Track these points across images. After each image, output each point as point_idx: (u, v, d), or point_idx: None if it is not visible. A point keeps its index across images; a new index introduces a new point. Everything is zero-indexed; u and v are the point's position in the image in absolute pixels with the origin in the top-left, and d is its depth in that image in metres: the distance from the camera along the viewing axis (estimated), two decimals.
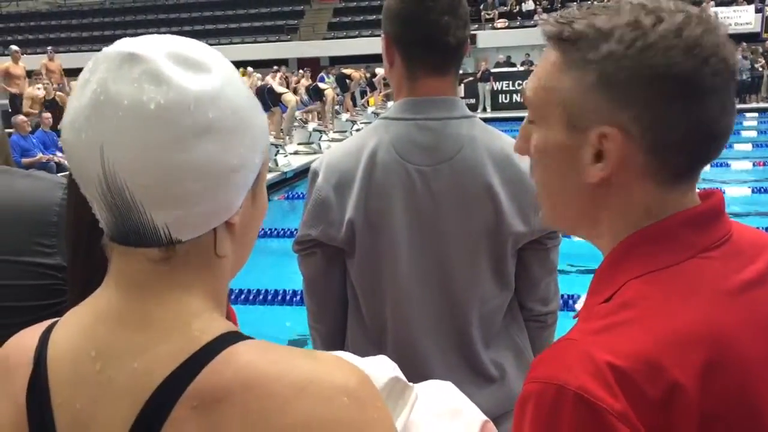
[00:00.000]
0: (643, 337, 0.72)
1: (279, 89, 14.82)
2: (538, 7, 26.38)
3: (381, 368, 0.94)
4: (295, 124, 15.02)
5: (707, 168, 0.85)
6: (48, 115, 12.15)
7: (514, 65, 22.52)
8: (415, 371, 1.17)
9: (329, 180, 1.58)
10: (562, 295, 1.89)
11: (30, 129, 11.42)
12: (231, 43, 25.61)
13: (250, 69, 17.31)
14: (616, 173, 0.79)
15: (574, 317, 0.82)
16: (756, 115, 16.96)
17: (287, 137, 14.26)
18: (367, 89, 20.35)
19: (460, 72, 1.69)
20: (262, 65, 19.03)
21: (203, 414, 0.66)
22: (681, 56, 0.75)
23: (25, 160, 10.20)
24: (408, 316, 1.58)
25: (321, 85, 16.86)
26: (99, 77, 0.68)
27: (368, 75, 20.16)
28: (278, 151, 11.69)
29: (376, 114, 16.44)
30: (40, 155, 11.03)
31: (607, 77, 0.77)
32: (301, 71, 20.23)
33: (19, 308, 1.18)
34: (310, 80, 18.21)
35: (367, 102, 20.13)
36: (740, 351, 0.74)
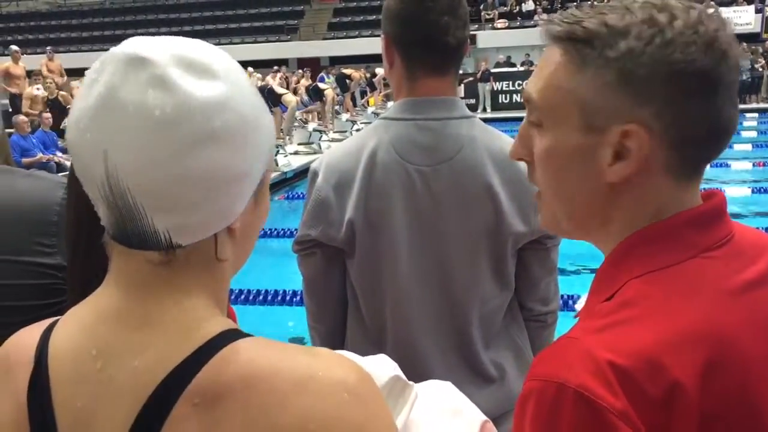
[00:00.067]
0: (644, 336, 0.72)
1: (279, 90, 14.82)
2: (538, 7, 26.39)
3: (381, 367, 0.95)
4: (295, 124, 15.02)
5: (707, 168, 0.85)
6: (48, 115, 12.15)
7: (514, 65, 22.52)
8: (415, 371, 1.17)
9: (329, 180, 1.58)
10: (562, 295, 1.89)
11: (30, 129, 11.42)
12: (231, 43, 25.58)
13: (250, 69, 17.32)
14: (636, 171, 0.78)
15: (575, 317, 0.82)
16: (756, 115, 16.97)
17: (287, 137, 14.26)
18: (367, 89, 20.36)
19: (460, 72, 1.69)
20: (262, 65, 19.02)
21: (204, 411, 0.66)
22: (700, 52, 0.75)
23: (25, 160, 10.20)
24: (408, 316, 1.58)
25: (321, 85, 16.86)
26: (106, 79, 0.68)
27: (368, 75, 20.16)
28: (278, 151, 11.69)
29: (376, 114, 16.45)
30: (40, 155, 11.03)
31: (627, 74, 0.76)
32: (300, 71, 20.24)
33: (19, 308, 1.18)
34: (310, 80, 18.22)
35: (367, 102, 20.14)
36: (741, 351, 0.74)
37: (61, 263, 1.19)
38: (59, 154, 11.54)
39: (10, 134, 9.45)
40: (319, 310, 1.73)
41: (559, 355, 0.74)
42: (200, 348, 0.68)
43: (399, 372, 0.95)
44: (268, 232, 7.63)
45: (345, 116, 17.49)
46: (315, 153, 13.16)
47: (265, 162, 0.74)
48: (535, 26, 24.27)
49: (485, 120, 1.67)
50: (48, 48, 17.21)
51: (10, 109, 13.30)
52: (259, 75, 17.16)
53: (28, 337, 0.76)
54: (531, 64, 21.76)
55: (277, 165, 11.44)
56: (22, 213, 1.23)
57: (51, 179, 1.33)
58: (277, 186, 10.78)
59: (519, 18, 26.65)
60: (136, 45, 0.69)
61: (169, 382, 0.67)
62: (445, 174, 1.54)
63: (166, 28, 27.32)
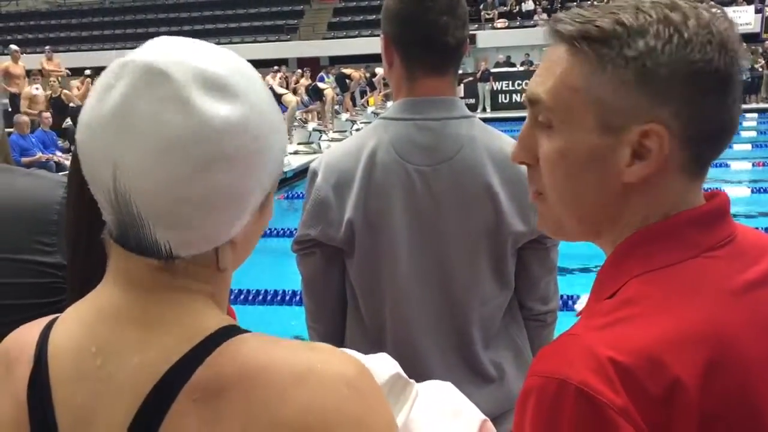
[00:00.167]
0: (645, 334, 0.72)
1: (279, 90, 14.85)
2: (537, 7, 26.39)
3: (383, 365, 0.95)
4: (295, 123, 15.02)
5: None
6: (47, 114, 12.15)
7: (513, 65, 22.51)
8: (414, 371, 1.17)
9: (328, 180, 1.58)
10: (562, 295, 1.89)
11: (29, 129, 11.42)
12: (231, 42, 25.56)
13: None
14: (655, 171, 0.78)
15: (577, 315, 0.82)
16: (756, 115, 16.97)
17: (287, 137, 14.26)
18: (367, 89, 20.36)
19: (460, 72, 1.69)
20: (262, 65, 19.01)
21: (204, 406, 0.67)
22: (715, 52, 0.75)
23: (24, 160, 10.20)
24: (407, 316, 1.58)
25: (320, 85, 16.86)
26: (122, 90, 0.67)
27: (368, 75, 20.16)
28: None
29: (375, 114, 16.44)
30: (39, 154, 11.03)
31: (647, 73, 0.75)
32: (300, 71, 20.23)
33: (18, 306, 1.18)
34: (309, 80, 18.22)
35: (367, 102, 20.14)
36: (742, 351, 0.74)
37: (61, 262, 1.19)
38: (59, 153, 11.54)
39: (9, 134, 9.46)
40: (318, 310, 1.73)
41: (560, 351, 0.74)
42: (199, 344, 0.69)
43: (400, 370, 0.96)
44: (268, 232, 7.61)
45: (345, 116, 17.49)
46: (315, 153, 13.16)
47: (274, 177, 0.74)
48: (534, 26, 24.34)
49: (485, 120, 1.67)
50: (47, 47, 17.21)
51: (10, 109, 13.29)
52: (259, 75, 17.16)
53: (27, 334, 0.76)
54: (531, 63, 21.76)
55: None
56: (21, 211, 1.23)
57: (51, 178, 1.32)
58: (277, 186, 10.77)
59: (519, 18, 26.66)
60: (156, 54, 0.68)
61: (169, 378, 0.67)
62: (445, 174, 1.53)
63: (166, 27, 27.31)
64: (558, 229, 0.87)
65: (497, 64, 22.40)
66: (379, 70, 17.88)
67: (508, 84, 20.93)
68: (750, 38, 21.46)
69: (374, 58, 15.96)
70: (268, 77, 16.91)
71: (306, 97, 16.01)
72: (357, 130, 12.12)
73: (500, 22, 26.35)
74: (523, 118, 0.86)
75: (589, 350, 0.71)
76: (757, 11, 23.63)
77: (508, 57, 23.11)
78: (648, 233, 0.80)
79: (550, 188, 0.83)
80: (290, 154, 12.85)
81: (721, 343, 0.73)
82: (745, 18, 22.94)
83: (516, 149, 0.86)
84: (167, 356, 0.68)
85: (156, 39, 0.72)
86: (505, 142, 1.59)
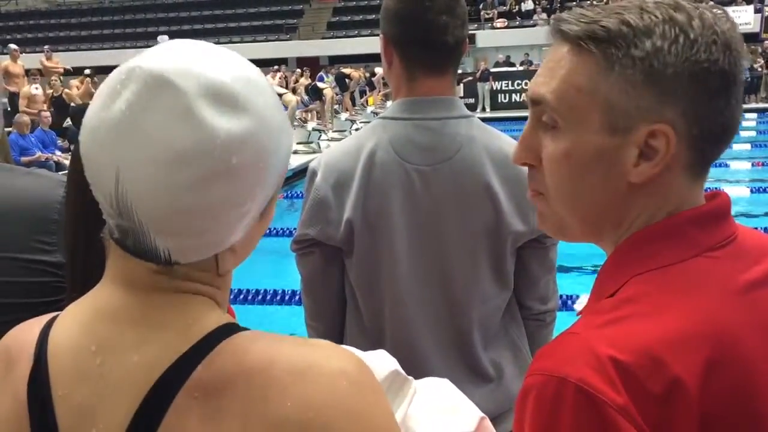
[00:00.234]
0: (646, 333, 0.72)
1: (279, 90, 14.84)
2: (537, 7, 26.40)
3: (381, 361, 0.95)
4: (295, 123, 15.02)
5: None
6: (47, 114, 12.14)
7: (513, 65, 22.51)
8: (413, 370, 1.17)
9: (328, 179, 1.58)
10: (562, 295, 1.89)
11: (29, 129, 11.41)
12: (230, 42, 25.56)
13: None
14: (661, 171, 0.78)
15: (578, 314, 0.82)
16: (755, 115, 16.98)
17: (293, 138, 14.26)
18: (367, 89, 20.36)
19: (459, 72, 1.69)
20: (262, 64, 18.85)
21: (205, 403, 0.67)
22: (720, 52, 0.76)
23: (24, 159, 10.20)
24: (407, 315, 1.58)
25: (320, 85, 16.88)
26: (129, 98, 0.66)
27: (367, 74, 20.17)
28: None
29: (375, 113, 16.43)
30: (39, 154, 11.02)
31: (654, 74, 0.76)
32: (299, 70, 20.22)
33: (19, 305, 1.18)
34: (309, 79, 18.22)
35: (367, 101, 20.15)
36: (743, 351, 0.74)
37: (62, 261, 1.19)
38: (58, 153, 11.53)
39: (9, 133, 9.46)
40: (317, 309, 1.73)
41: (560, 350, 0.74)
42: (199, 342, 0.69)
43: (398, 367, 0.96)
44: (268, 232, 7.55)
45: (344, 115, 17.50)
46: (314, 152, 13.15)
47: (276, 185, 0.74)
48: (534, 26, 24.35)
49: (484, 120, 1.67)
50: (46, 47, 17.19)
51: (9, 108, 13.29)
52: (266, 79, 17.18)
53: (27, 332, 0.76)
54: (530, 63, 21.77)
55: None
56: (22, 210, 1.23)
57: (51, 177, 1.32)
58: None
59: (518, 17, 26.65)
60: (164, 62, 0.68)
61: (169, 376, 0.68)
62: (444, 174, 1.54)
63: (166, 27, 27.29)
64: (559, 229, 0.86)
65: (497, 64, 22.39)
66: (379, 70, 17.89)
67: (507, 84, 20.91)
68: (749, 38, 21.45)
69: (374, 58, 15.95)
70: (268, 77, 16.86)
71: (305, 97, 16.01)
72: (356, 129, 12.08)
73: (500, 22, 26.34)
74: (522, 118, 0.86)
75: (589, 349, 0.71)
76: (757, 11, 23.64)
77: (508, 57, 23.11)
78: (649, 233, 0.80)
79: (553, 189, 0.83)
80: None
81: (722, 342, 0.73)
82: (744, 18, 22.93)
83: (518, 150, 0.85)
84: (167, 354, 0.68)
85: (165, 43, 0.71)
86: (505, 141, 1.59)
